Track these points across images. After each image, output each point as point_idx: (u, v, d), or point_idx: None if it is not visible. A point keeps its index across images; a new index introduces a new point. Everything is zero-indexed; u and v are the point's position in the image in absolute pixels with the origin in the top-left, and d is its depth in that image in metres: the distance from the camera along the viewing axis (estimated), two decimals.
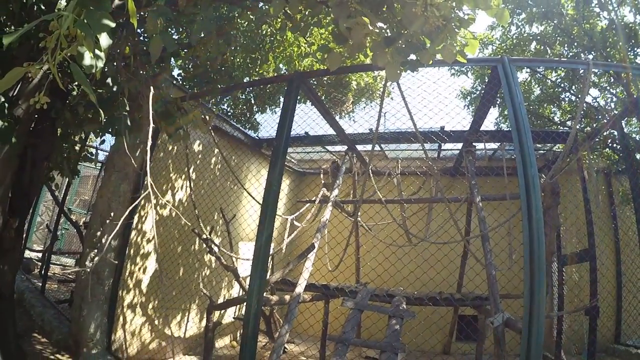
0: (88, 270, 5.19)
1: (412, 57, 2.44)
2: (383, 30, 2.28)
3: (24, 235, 7.89)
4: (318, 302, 6.17)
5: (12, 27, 3.55)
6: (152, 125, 2.33)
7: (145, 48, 3.80)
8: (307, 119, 5.79)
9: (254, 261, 3.54)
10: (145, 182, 5.37)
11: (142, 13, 3.40)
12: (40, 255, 10.65)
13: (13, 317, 4.28)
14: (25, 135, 3.86)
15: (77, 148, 5.35)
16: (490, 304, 4.32)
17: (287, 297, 4.63)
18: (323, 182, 6.97)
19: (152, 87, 2.79)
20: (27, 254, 10.29)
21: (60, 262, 11.87)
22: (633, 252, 7.36)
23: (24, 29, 1.54)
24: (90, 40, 1.69)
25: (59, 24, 1.70)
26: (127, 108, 3.35)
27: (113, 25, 1.75)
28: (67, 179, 7.64)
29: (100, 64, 1.78)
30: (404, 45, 2.32)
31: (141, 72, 3.65)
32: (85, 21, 1.69)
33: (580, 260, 6.22)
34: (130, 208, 2.68)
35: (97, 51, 1.75)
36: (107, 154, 6.72)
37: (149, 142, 2.25)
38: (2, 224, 3.94)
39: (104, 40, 1.77)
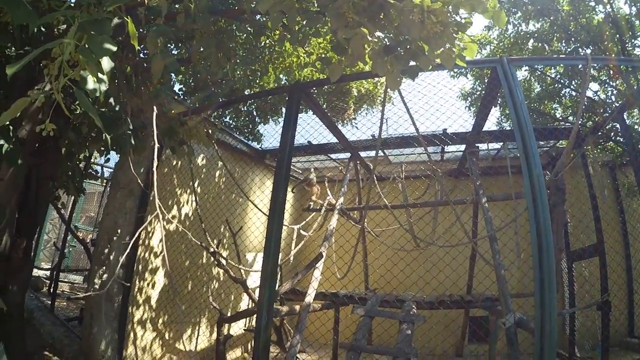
0: (97, 287, 5.20)
1: (412, 63, 2.45)
2: (382, 39, 2.29)
3: (32, 255, 7.89)
4: (328, 311, 6.15)
5: (13, 49, 3.57)
6: (157, 145, 2.35)
7: (145, 65, 3.82)
8: (309, 128, 5.81)
9: (262, 273, 3.54)
10: (151, 199, 5.42)
11: (141, 30, 3.43)
12: (48, 273, 10.68)
13: (22, 337, 4.27)
14: (30, 155, 3.88)
15: (81, 166, 5.37)
16: (500, 305, 4.30)
17: (297, 307, 4.62)
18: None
19: (155, 107, 2.81)
20: (35, 272, 10.31)
21: (69, 279, 11.91)
22: None
23: (26, 58, 1.56)
24: (93, 65, 1.70)
25: (61, 50, 1.72)
26: (131, 126, 3.37)
27: (114, 49, 1.76)
28: (72, 197, 7.67)
29: (104, 87, 1.80)
30: (402, 53, 2.33)
31: (142, 89, 3.67)
32: (87, 46, 1.71)
33: (589, 255, 6.19)
34: (140, 230, 2.67)
35: (99, 75, 1.77)
36: (112, 171, 6.75)
37: (155, 163, 2.27)
38: (10, 245, 3.95)
39: (106, 63, 1.78)
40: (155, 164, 2.27)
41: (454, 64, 2.40)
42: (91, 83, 1.77)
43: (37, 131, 1.85)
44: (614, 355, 5.97)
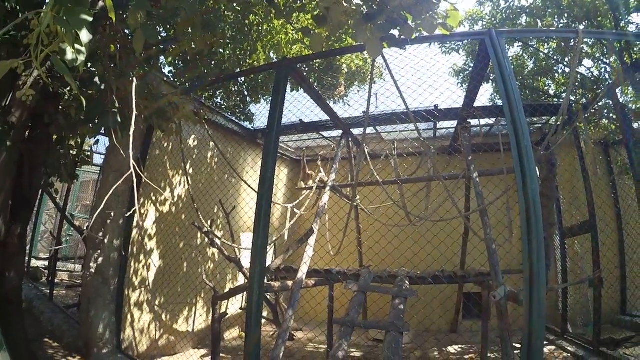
0: (93, 271, 5.24)
1: (395, 33, 2.44)
2: (361, 8, 2.29)
3: (29, 245, 7.89)
4: (324, 289, 6.21)
5: None
6: (134, 109, 2.39)
7: (130, 46, 3.80)
8: (300, 106, 5.78)
9: (253, 247, 3.57)
10: (143, 181, 5.43)
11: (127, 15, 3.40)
12: (47, 263, 10.74)
13: (22, 322, 4.32)
14: (21, 142, 3.90)
15: (73, 153, 5.37)
16: (492, 279, 4.34)
17: (290, 283, 4.66)
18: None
19: (134, 79, 2.83)
20: (34, 262, 10.38)
21: (67, 268, 11.99)
22: (634, 221, 7.35)
23: (6, 27, 1.58)
24: (70, 35, 1.73)
25: (40, 22, 1.74)
26: (117, 104, 3.38)
27: (90, 19, 1.81)
28: (67, 186, 7.68)
29: (82, 57, 1.83)
30: (385, 22, 2.33)
31: (131, 73, 3.66)
32: (64, 18, 1.74)
33: (581, 231, 6.23)
34: (116, 185, 2.67)
35: (78, 46, 1.80)
36: (104, 155, 6.75)
37: (132, 127, 2.30)
38: (5, 231, 3.99)
39: (84, 35, 1.82)
40: (132, 128, 2.30)
41: (435, 31, 2.40)
42: (70, 54, 1.81)
43: (20, 99, 1.87)
44: (606, 332, 6.03)
